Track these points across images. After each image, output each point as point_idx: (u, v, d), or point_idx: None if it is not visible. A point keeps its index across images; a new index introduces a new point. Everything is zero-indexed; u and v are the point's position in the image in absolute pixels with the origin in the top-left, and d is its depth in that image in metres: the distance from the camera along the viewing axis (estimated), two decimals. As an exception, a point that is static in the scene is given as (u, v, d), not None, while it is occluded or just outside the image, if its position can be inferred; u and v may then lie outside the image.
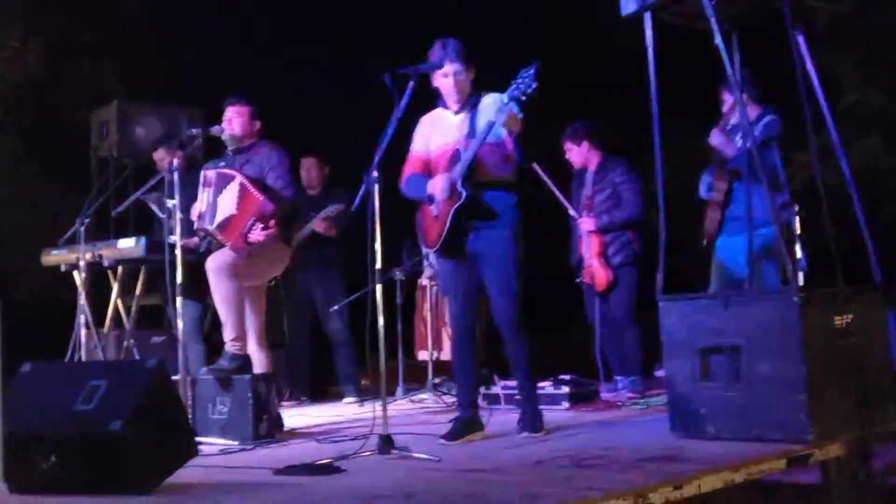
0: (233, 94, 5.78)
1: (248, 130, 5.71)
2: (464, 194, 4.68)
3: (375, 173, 4.45)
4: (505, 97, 4.58)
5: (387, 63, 4.60)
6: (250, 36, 10.44)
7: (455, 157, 4.76)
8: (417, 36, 5.15)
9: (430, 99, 4.90)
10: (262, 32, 10.47)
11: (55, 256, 6.85)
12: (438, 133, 4.93)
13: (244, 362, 5.40)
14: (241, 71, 9.70)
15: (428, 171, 4.92)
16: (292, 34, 10.27)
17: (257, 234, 5.41)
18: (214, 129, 5.69)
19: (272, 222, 5.42)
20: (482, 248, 4.78)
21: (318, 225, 7.30)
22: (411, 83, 4.56)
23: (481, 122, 4.73)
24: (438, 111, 4.97)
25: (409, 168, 4.99)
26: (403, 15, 9.78)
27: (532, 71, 4.50)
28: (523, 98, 4.55)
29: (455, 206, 4.70)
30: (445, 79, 4.82)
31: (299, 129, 7.04)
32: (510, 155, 4.75)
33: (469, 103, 4.85)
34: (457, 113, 4.89)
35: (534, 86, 4.49)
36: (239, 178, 5.48)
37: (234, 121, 5.69)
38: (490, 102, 4.75)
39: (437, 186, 4.77)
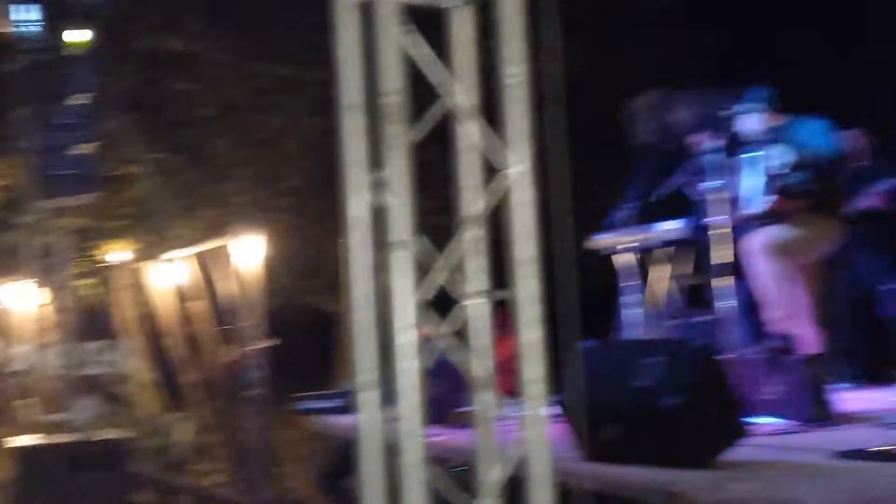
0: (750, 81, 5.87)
1: (769, 113, 5.63)
2: None
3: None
4: None
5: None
6: (774, 11, 10.16)
7: None
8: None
9: None
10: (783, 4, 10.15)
11: (600, 241, 7.22)
12: None
13: (790, 342, 5.31)
14: (768, 47, 9.51)
15: None
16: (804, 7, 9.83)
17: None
18: (740, 111, 5.83)
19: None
20: None
21: (870, 200, 6.93)
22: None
23: None
24: None
25: None
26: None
27: None
28: None
29: None
30: None
31: (841, 100, 6.73)
32: None
33: None
34: None
35: None
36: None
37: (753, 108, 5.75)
38: None
39: None
